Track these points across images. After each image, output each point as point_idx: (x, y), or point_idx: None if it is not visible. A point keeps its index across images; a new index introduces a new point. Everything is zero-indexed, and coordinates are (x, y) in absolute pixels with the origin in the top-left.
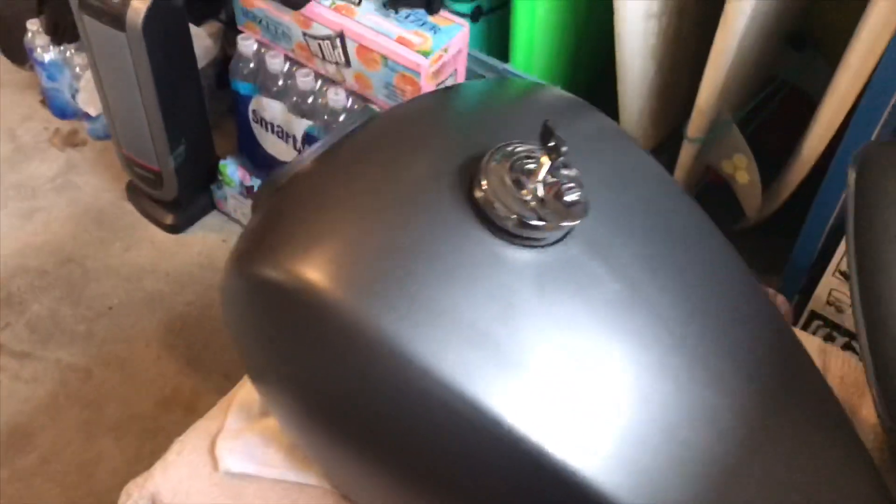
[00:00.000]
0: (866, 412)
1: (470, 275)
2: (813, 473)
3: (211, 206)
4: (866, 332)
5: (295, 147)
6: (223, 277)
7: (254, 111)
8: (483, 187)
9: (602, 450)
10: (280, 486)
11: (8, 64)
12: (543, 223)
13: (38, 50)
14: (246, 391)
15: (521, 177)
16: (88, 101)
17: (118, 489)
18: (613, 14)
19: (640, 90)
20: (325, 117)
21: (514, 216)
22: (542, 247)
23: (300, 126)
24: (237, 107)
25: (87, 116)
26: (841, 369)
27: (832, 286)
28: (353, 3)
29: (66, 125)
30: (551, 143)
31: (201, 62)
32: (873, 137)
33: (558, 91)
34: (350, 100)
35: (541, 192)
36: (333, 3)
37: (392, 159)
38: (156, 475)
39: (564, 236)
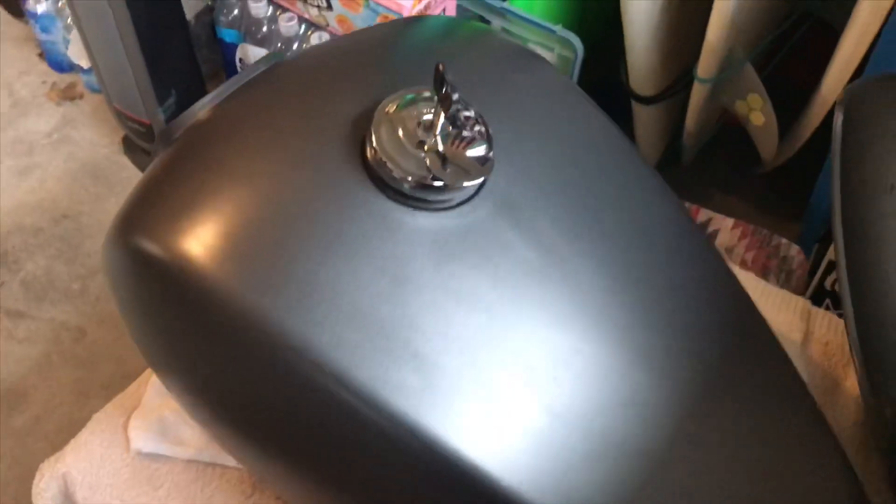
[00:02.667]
0: (850, 383)
1: (357, 244)
2: (765, 463)
3: None
4: (851, 301)
5: None
6: (104, 244)
7: (240, 59)
8: (373, 143)
9: (502, 445)
10: (194, 466)
11: (8, 17)
12: (441, 183)
13: (31, 1)
14: None
15: (418, 130)
16: (80, 53)
17: None
18: None
19: (646, 27)
20: None
21: (409, 176)
22: (446, 209)
23: None
24: (224, 55)
25: (82, 69)
26: (826, 334)
27: None
28: None
29: (63, 79)
30: (443, 91)
31: (192, 11)
32: None
33: (505, 38)
34: None
35: (441, 145)
36: None
37: (286, 114)
38: (67, 455)
39: (473, 196)
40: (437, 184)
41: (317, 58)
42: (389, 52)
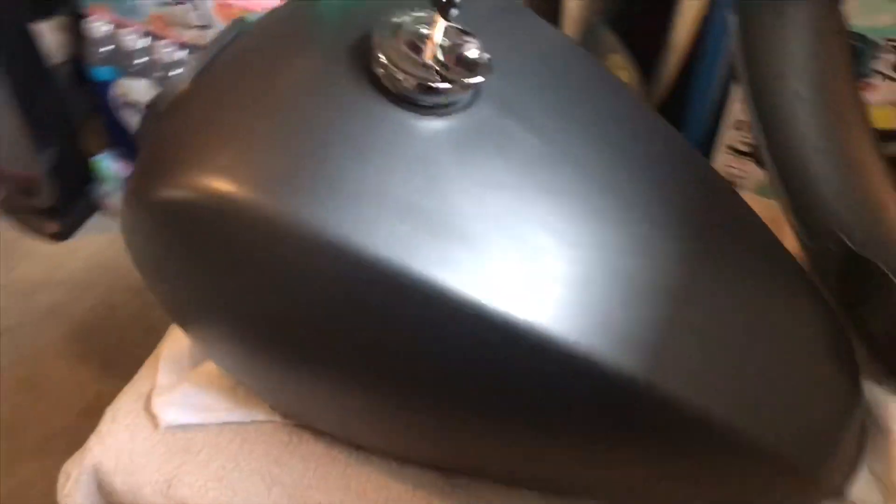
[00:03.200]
0: (788, 244)
1: (385, 151)
2: (756, 290)
3: (94, 207)
4: (775, 165)
5: None
6: (122, 219)
7: (119, 95)
8: (381, 60)
9: (547, 297)
10: (228, 428)
11: None
12: (448, 84)
13: None
14: (171, 345)
15: (417, 43)
16: None
17: None
18: None
19: None
20: None
21: (418, 82)
22: (453, 113)
23: None
24: (99, 96)
25: None
26: (756, 209)
27: (724, 163)
28: None
29: None
30: None
31: (56, 59)
32: None
33: None
34: None
35: (441, 55)
36: None
37: (278, 56)
38: (93, 448)
39: (473, 100)
40: (445, 86)
41: (284, 14)
42: None
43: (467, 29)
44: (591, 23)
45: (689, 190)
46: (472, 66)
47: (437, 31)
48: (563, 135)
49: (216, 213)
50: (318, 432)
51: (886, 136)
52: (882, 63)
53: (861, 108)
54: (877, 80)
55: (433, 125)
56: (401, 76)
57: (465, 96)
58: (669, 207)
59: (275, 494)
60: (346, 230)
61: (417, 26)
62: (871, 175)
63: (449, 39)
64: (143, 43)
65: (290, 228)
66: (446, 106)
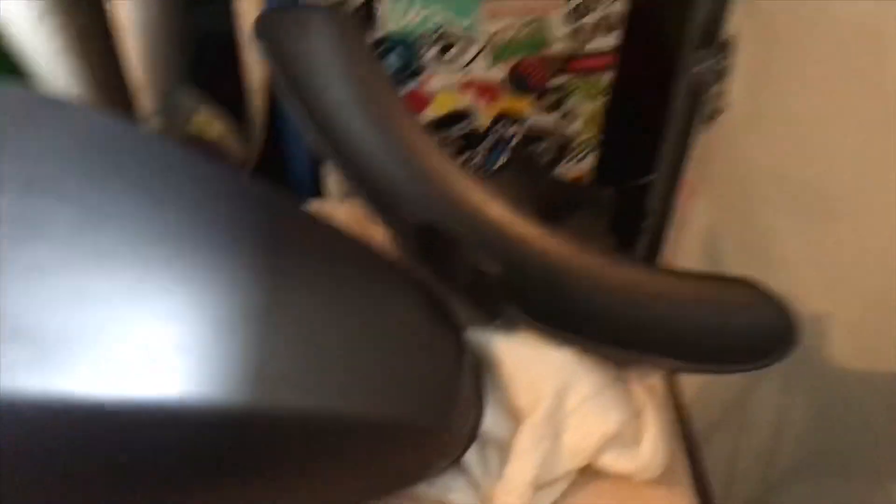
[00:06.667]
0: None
1: None
2: (343, 292)
3: None
4: (342, 165)
5: None
6: None
7: None
8: None
9: (136, 367)
10: None
11: None
12: None
13: None
14: None
15: None
16: None
17: None
18: None
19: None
20: None
21: None
22: None
23: None
24: None
25: None
26: (348, 216)
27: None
28: None
29: None
30: None
31: None
32: None
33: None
34: None
35: None
36: None
37: None
38: None
39: None
40: None
41: None
42: None
43: None
44: (167, 88)
45: (253, 223)
46: None
47: None
48: (105, 200)
49: None
50: None
51: (453, 117)
52: (429, 55)
53: (399, 100)
54: (431, 71)
55: None
56: None
57: None
58: (234, 244)
59: None
60: None
61: None
62: (423, 150)
63: None
64: None
65: None
66: None
